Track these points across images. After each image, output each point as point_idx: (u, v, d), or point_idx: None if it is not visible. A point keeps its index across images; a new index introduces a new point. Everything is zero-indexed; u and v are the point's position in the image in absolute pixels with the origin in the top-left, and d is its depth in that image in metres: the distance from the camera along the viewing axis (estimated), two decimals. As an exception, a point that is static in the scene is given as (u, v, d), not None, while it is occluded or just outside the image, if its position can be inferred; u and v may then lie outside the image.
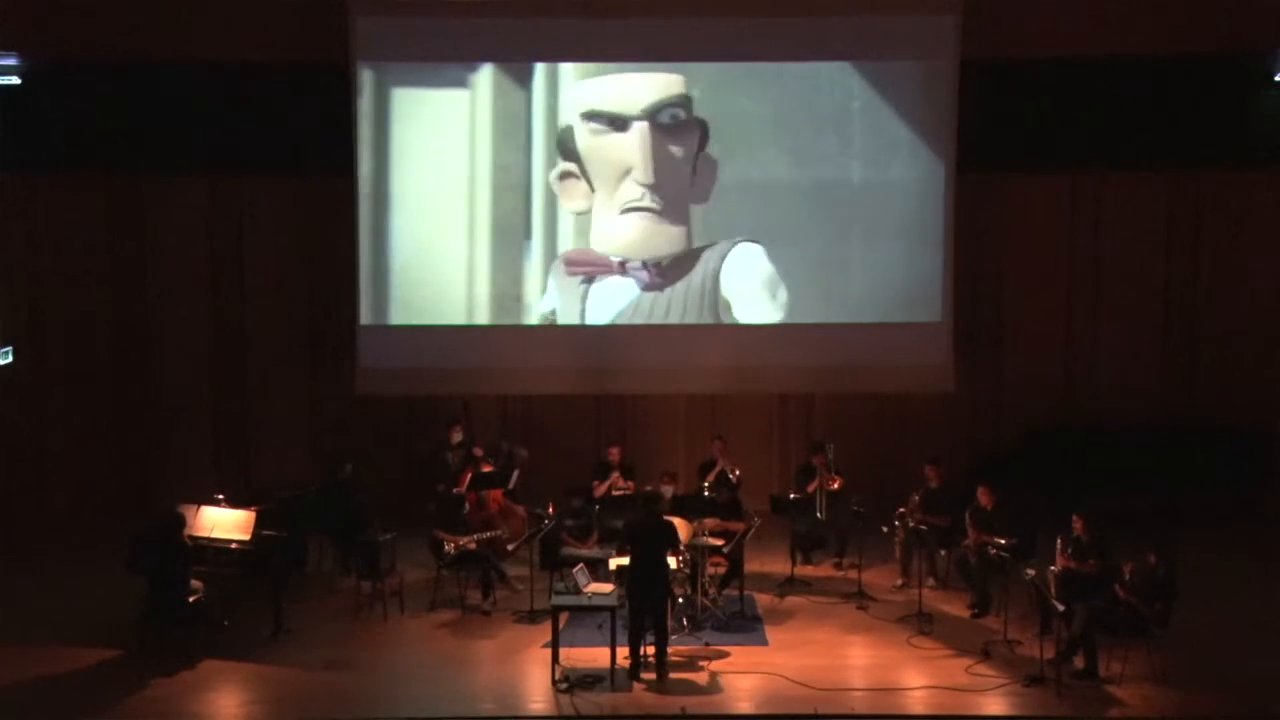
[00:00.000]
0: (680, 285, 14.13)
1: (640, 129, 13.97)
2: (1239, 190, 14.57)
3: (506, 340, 14.31)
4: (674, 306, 14.15)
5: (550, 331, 14.31)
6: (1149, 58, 14.08)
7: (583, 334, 14.29)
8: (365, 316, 14.26)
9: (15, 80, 13.47)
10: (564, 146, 14.08)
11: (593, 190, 14.06)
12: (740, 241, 14.09)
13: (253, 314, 14.85)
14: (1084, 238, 14.81)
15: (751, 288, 14.13)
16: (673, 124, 14.00)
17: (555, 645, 10.11)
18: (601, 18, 13.95)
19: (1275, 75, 13.77)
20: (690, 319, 14.13)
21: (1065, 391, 14.89)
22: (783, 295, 14.14)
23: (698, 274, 14.10)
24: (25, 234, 14.39)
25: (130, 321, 14.77)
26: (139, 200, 14.70)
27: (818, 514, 12.46)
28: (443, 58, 14.08)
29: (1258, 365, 14.55)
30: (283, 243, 14.77)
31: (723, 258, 14.10)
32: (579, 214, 14.11)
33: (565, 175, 14.07)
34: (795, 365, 14.23)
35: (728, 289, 14.13)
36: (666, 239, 14.09)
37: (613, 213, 14.07)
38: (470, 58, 14.07)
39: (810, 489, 12.52)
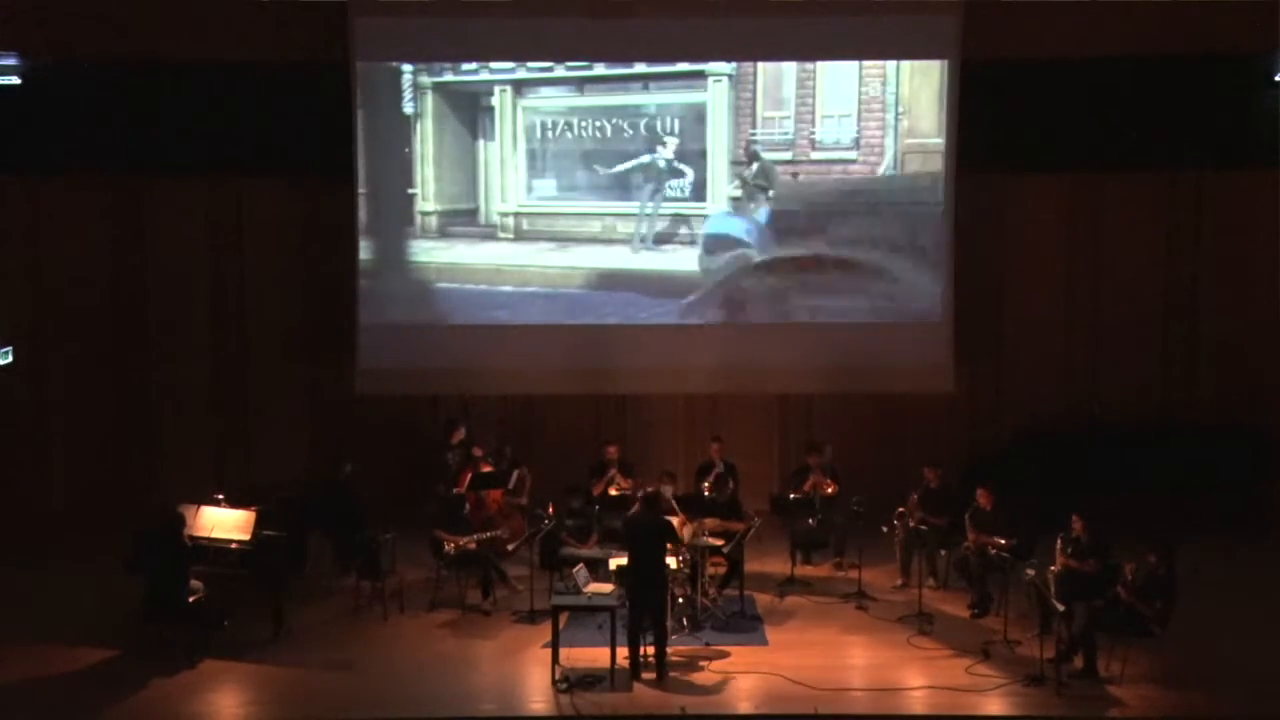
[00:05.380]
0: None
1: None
2: (1239, 190, 14.56)
3: (506, 340, 14.31)
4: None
5: (550, 331, 14.31)
6: (1149, 58, 14.06)
7: (583, 334, 14.29)
8: (365, 316, 14.27)
9: (15, 80, 13.46)
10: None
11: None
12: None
13: (253, 314, 14.84)
14: (1084, 238, 14.80)
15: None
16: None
17: (555, 645, 10.12)
18: (601, 18, 13.94)
19: (1275, 75, 13.76)
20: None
21: (1065, 392, 14.87)
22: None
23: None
24: (26, 234, 14.38)
25: (130, 321, 14.76)
26: (139, 200, 14.69)
27: (810, 521, 12.47)
28: (443, 58, 14.10)
29: (1258, 365, 14.55)
30: (283, 243, 14.75)
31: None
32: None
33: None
34: (795, 365, 14.23)
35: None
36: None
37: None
38: (470, 58, 14.10)
39: (806, 488, 12.52)
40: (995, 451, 14.50)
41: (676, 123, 14.12)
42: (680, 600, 10.89)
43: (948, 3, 13.85)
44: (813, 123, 14.15)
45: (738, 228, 14.22)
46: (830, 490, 12.49)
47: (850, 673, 10.30)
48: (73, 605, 11.64)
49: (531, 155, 14.30)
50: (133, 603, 10.58)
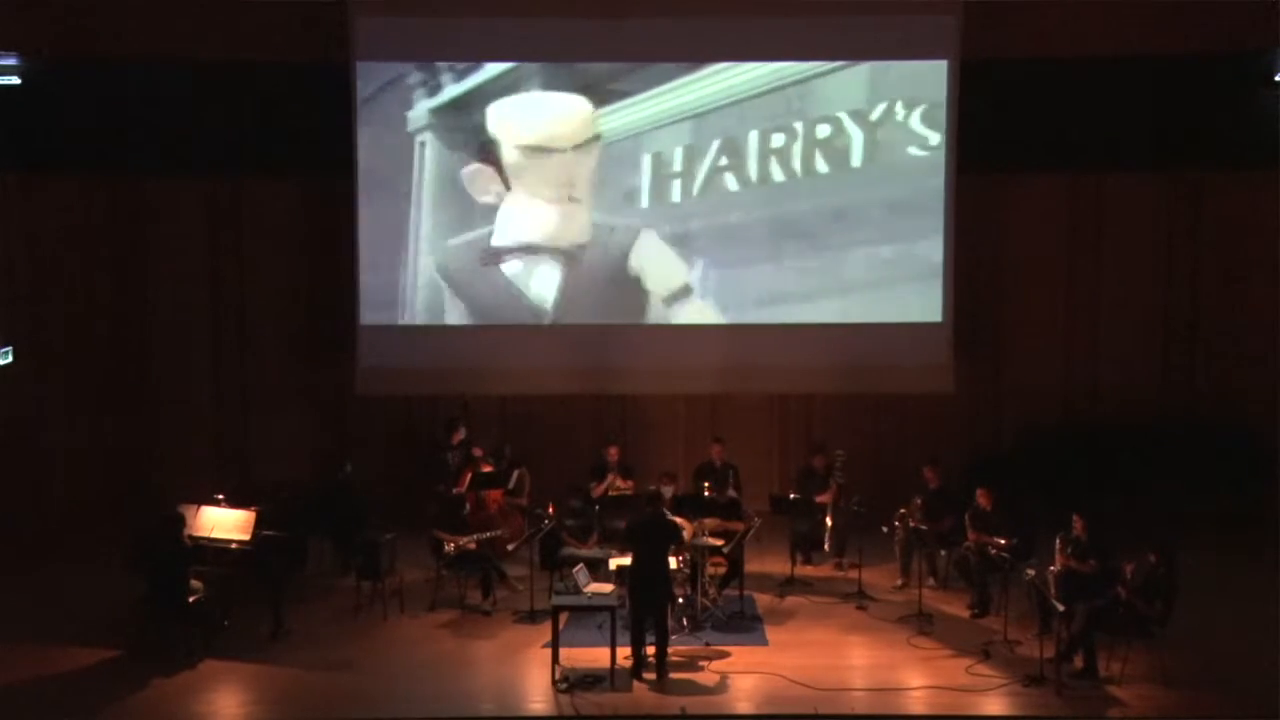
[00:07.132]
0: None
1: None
2: (1239, 190, 14.56)
3: (506, 340, 14.30)
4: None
5: (550, 331, 14.31)
6: (1149, 58, 14.06)
7: (583, 334, 14.28)
8: (365, 316, 14.27)
9: (15, 80, 13.46)
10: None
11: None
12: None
13: (253, 314, 14.86)
14: (1084, 238, 14.81)
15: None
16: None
17: (555, 645, 10.12)
18: (601, 19, 13.94)
19: (1275, 75, 13.77)
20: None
21: (1065, 392, 14.88)
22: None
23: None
24: (25, 234, 14.37)
25: (130, 321, 14.78)
26: (139, 200, 14.71)
27: (824, 545, 12.47)
28: (443, 57, 14.09)
29: (1258, 366, 14.54)
30: (283, 243, 14.78)
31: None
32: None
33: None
34: (795, 365, 14.22)
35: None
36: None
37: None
38: (470, 57, 14.08)
39: (821, 499, 12.49)
40: (995, 451, 14.52)
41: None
42: (680, 600, 10.90)
43: (948, 3, 13.86)
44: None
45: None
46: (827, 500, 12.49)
47: (850, 673, 10.30)
48: (73, 605, 11.64)
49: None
50: (133, 603, 10.58)
